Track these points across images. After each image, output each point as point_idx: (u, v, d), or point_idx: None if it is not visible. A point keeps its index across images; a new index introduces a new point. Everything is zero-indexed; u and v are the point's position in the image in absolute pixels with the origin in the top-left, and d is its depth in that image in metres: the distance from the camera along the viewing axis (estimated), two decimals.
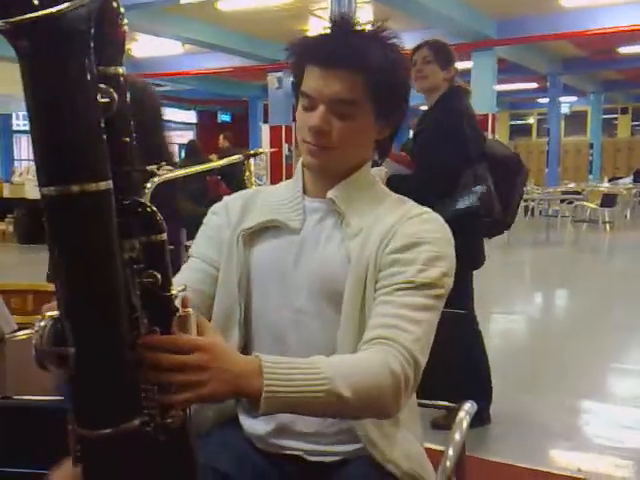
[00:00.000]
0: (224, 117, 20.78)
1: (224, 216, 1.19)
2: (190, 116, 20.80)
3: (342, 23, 1.09)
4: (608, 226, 11.23)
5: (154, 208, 0.72)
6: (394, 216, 1.11)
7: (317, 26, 8.54)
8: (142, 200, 0.72)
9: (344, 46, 1.06)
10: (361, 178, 1.15)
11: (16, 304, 2.68)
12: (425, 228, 1.09)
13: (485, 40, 11.40)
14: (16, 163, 17.34)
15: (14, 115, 18.43)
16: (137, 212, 0.70)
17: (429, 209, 1.14)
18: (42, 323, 0.66)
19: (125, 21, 0.68)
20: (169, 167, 0.85)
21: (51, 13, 0.55)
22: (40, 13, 0.54)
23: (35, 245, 9.45)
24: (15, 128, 18.88)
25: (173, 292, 0.74)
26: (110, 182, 0.63)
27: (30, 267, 7.00)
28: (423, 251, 1.05)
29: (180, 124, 20.81)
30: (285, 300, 1.12)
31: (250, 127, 15.83)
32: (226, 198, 1.25)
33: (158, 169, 0.82)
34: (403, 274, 1.04)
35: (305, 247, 1.13)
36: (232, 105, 18.74)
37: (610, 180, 16.14)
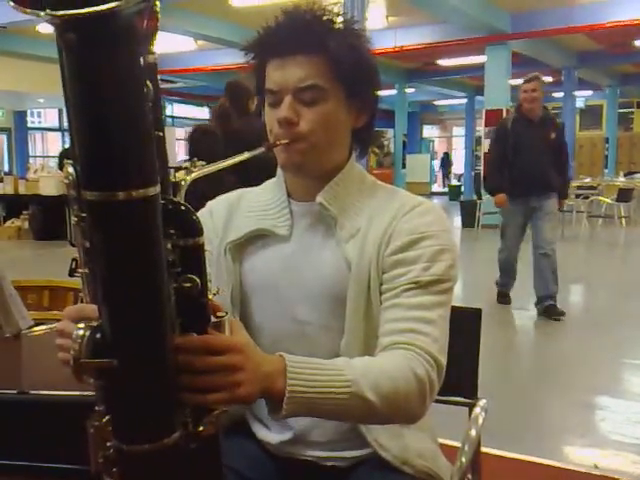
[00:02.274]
0: None
1: (210, 224, 1.14)
2: (203, 112, 20.84)
3: (298, 12, 1.03)
4: (624, 221, 11.12)
5: (190, 208, 0.68)
6: (389, 212, 1.06)
7: None
8: (177, 199, 0.67)
9: (301, 32, 1.01)
10: (348, 176, 1.09)
11: (32, 300, 2.70)
12: (424, 222, 1.05)
13: (499, 34, 11.32)
14: (31, 160, 17.48)
15: (29, 112, 18.57)
16: (172, 212, 0.65)
17: (423, 199, 1.10)
18: (80, 332, 0.62)
19: (158, 7, 0.64)
20: (202, 162, 0.84)
21: (108, 9, 0.50)
22: (96, 9, 0.50)
23: (50, 241, 9.53)
24: (30, 125, 19.02)
25: (210, 298, 0.71)
26: (158, 187, 0.58)
27: (46, 263, 7.07)
28: (425, 247, 1.02)
29: (193, 120, 20.86)
30: (285, 311, 1.08)
31: None
32: (210, 203, 1.20)
33: (192, 165, 0.79)
34: (409, 274, 1.01)
35: (298, 255, 1.08)
36: None
37: (626, 175, 15.94)
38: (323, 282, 1.06)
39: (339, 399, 0.86)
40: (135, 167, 0.57)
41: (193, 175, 0.80)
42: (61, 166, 6.65)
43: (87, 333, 0.62)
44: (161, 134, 0.66)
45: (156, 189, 0.58)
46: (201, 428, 0.69)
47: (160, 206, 0.60)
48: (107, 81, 0.54)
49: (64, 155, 6.52)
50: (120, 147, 0.55)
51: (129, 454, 0.63)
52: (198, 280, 0.68)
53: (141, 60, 0.57)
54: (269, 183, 1.18)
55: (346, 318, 1.04)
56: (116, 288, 0.60)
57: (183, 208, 0.67)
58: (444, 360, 0.98)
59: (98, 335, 0.62)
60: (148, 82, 0.61)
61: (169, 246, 0.65)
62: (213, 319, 0.73)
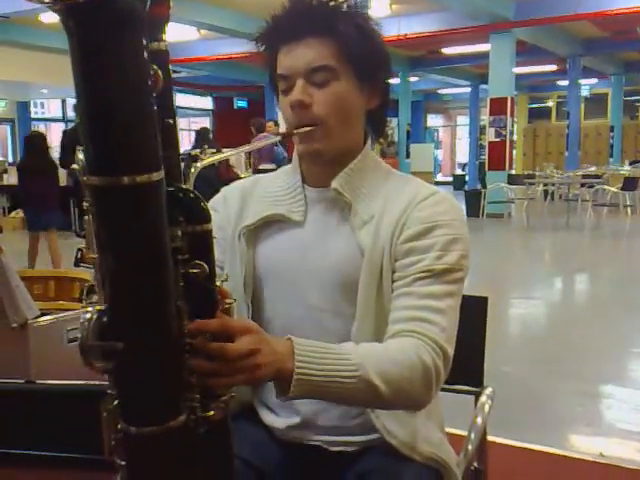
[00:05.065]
0: (240, 103, 20.74)
1: (223, 212, 1.15)
2: (207, 102, 20.79)
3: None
4: (629, 210, 11.09)
5: (199, 195, 0.68)
6: (404, 200, 1.07)
7: None
8: (186, 187, 0.68)
9: (309, 16, 1.03)
10: (363, 163, 1.10)
11: (38, 290, 2.71)
12: (437, 210, 1.05)
13: (503, 22, 11.25)
14: None
15: (32, 103, 18.55)
16: (181, 199, 0.66)
17: (437, 188, 1.11)
18: (87, 315, 0.63)
19: None
20: (212, 150, 0.87)
21: None
22: None
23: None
24: (33, 115, 19.00)
25: (218, 284, 0.72)
26: (162, 172, 0.58)
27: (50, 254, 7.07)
28: (438, 235, 1.03)
29: (197, 110, 20.82)
30: (297, 297, 1.09)
31: (266, 113, 15.78)
32: (224, 190, 1.20)
33: (202, 152, 0.80)
34: (421, 262, 1.01)
35: (312, 240, 1.09)
36: (248, 91, 18.70)
37: (631, 163, 15.89)
38: (336, 268, 1.07)
39: (345, 382, 0.87)
40: (137, 152, 0.57)
41: (204, 162, 0.80)
42: (63, 146, 6.62)
43: (94, 316, 0.63)
44: (172, 121, 0.66)
45: (160, 174, 0.58)
46: (211, 413, 0.70)
47: (164, 191, 0.60)
48: (108, 66, 0.54)
49: (70, 136, 6.49)
50: (121, 132, 0.55)
51: (136, 436, 0.64)
52: (206, 266, 0.68)
53: (144, 45, 0.57)
54: (284, 169, 1.19)
55: (357, 304, 1.05)
56: (120, 272, 0.60)
57: (192, 195, 0.68)
58: (451, 350, 0.99)
59: (105, 318, 0.63)
60: (158, 69, 0.61)
61: (179, 233, 0.66)
62: (223, 305, 0.74)
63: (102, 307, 0.63)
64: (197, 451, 0.69)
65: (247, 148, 1.00)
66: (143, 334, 0.62)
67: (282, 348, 0.83)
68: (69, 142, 6.36)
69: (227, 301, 0.74)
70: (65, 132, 7.10)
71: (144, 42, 0.57)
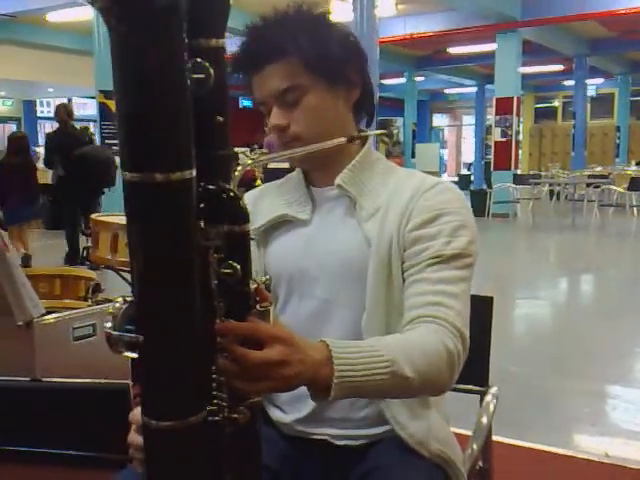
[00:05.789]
0: (246, 102, 20.76)
1: None
2: None
3: (257, 27, 1.07)
4: (635, 210, 11.05)
5: (239, 195, 0.68)
6: (409, 191, 1.09)
7: (339, 8, 8.47)
8: (228, 186, 0.68)
9: (263, 45, 1.05)
10: (365, 159, 1.13)
11: (44, 288, 2.71)
12: (442, 199, 1.07)
13: (509, 22, 11.24)
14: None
15: (38, 102, 18.62)
16: (221, 199, 0.66)
17: (441, 179, 1.12)
18: (117, 305, 0.64)
19: None
20: (262, 150, 0.87)
21: None
22: None
23: (61, 231, 9.57)
24: (39, 115, 19.06)
25: (251, 287, 0.71)
26: (194, 171, 0.59)
27: (57, 252, 7.12)
28: (445, 222, 1.04)
29: None
30: (308, 292, 1.11)
31: None
32: None
33: (251, 152, 0.79)
34: (430, 249, 1.03)
35: (319, 236, 1.11)
36: None
37: (638, 163, 15.86)
38: (344, 260, 1.08)
39: (380, 379, 0.88)
40: (172, 149, 0.57)
41: (248, 162, 0.81)
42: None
43: (123, 307, 0.63)
44: (222, 119, 0.66)
45: (192, 172, 0.58)
46: (236, 415, 0.70)
47: (195, 189, 0.60)
48: (146, 64, 0.54)
49: (53, 138, 6.73)
50: (157, 129, 0.56)
51: (155, 430, 0.64)
52: (238, 267, 0.68)
53: (183, 41, 0.56)
54: (290, 175, 1.22)
55: (367, 294, 1.06)
56: (147, 267, 0.60)
57: (232, 195, 0.68)
58: (467, 333, 1.00)
59: (132, 310, 0.63)
60: (210, 67, 0.61)
61: (216, 232, 0.66)
62: (258, 308, 0.73)
63: (130, 298, 0.64)
64: (221, 452, 0.69)
65: (306, 150, 1.02)
66: (166, 328, 0.62)
67: (317, 355, 0.82)
68: (52, 144, 6.73)
69: (263, 304, 0.73)
70: (48, 135, 7.46)
71: (183, 41, 0.56)
